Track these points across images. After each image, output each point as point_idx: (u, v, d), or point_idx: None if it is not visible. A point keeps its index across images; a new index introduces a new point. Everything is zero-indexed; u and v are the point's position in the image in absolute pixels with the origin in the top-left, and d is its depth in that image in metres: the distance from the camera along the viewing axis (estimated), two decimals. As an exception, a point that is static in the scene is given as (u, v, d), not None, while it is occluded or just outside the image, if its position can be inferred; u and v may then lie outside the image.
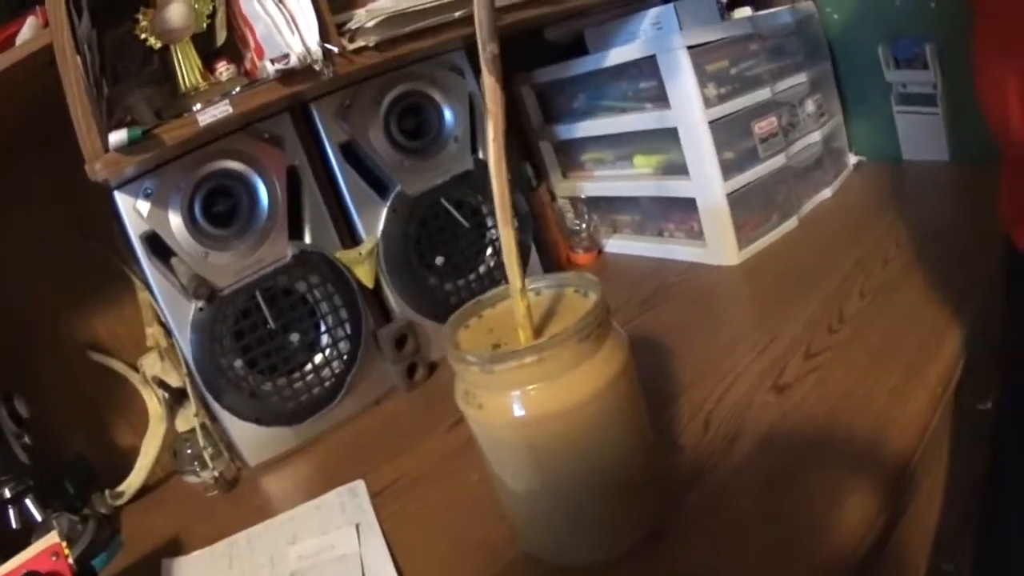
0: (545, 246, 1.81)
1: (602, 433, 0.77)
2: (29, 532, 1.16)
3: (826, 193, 1.76)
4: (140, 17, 1.06)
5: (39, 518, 1.17)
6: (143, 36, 1.07)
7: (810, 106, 1.75)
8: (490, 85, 0.75)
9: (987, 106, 0.76)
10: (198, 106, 1.08)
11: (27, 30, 0.98)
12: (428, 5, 1.22)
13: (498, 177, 0.79)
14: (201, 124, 1.05)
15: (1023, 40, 0.67)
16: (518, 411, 0.74)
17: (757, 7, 1.73)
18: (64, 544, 0.90)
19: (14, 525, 1.17)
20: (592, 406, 0.75)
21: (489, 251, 1.57)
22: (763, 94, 1.57)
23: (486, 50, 0.74)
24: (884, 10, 1.71)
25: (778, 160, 1.59)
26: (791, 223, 1.62)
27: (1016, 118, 0.69)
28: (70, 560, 0.89)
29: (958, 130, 1.65)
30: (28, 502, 1.18)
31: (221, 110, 1.07)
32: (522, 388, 0.74)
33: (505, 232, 0.80)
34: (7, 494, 1.17)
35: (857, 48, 1.83)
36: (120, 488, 1.32)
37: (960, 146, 1.69)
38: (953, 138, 1.72)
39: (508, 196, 0.80)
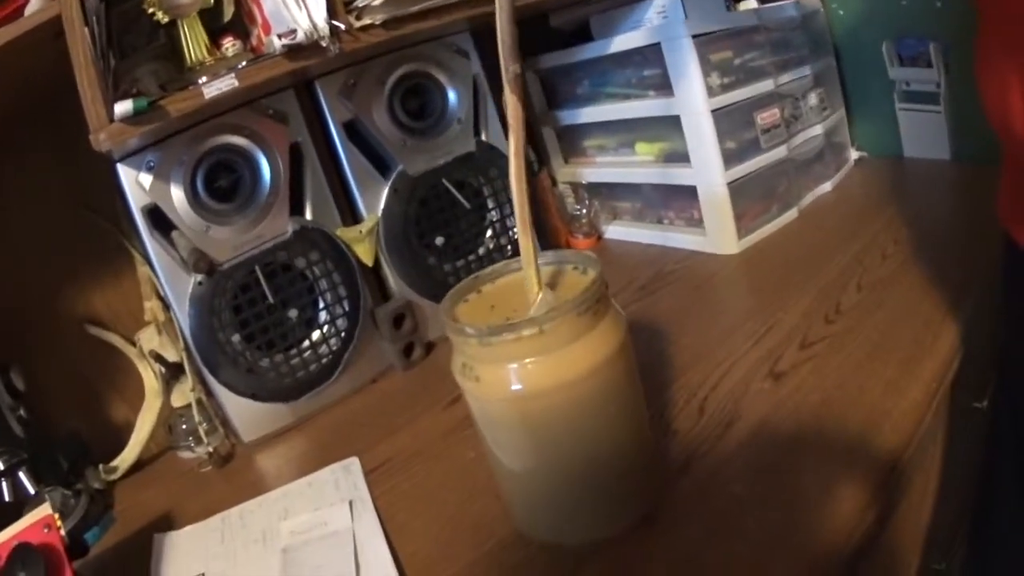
0: (545, 231, 1.82)
1: (598, 410, 0.77)
2: (21, 505, 1.15)
3: (826, 187, 1.76)
4: (148, -9, 1.07)
5: (32, 491, 1.17)
6: (151, 10, 1.07)
7: (813, 99, 1.75)
8: (512, 103, 0.76)
9: (989, 103, 0.77)
10: (203, 79, 1.08)
11: (35, 2, 0.98)
12: (436, -15, 1.22)
13: (519, 194, 0.80)
14: (206, 96, 1.06)
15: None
16: (515, 384, 0.74)
17: (763, 0, 1.74)
18: (56, 516, 0.90)
19: (7, 498, 1.17)
20: (589, 382, 0.75)
21: (489, 233, 1.57)
22: (766, 85, 1.57)
23: (508, 70, 0.76)
24: (889, 8, 1.71)
25: (779, 151, 1.59)
26: (791, 214, 1.63)
27: (1018, 116, 0.70)
28: (62, 532, 0.89)
29: (960, 129, 1.66)
30: (21, 475, 1.18)
31: (227, 83, 1.07)
32: (520, 361, 0.74)
33: (524, 241, 0.81)
34: (0, 466, 1.17)
35: (861, 44, 1.84)
36: (114, 463, 1.32)
37: (962, 145, 1.70)
38: (955, 137, 1.72)
39: (528, 208, 0.81)
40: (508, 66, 0.75)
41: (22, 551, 0.84)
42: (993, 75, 0.75)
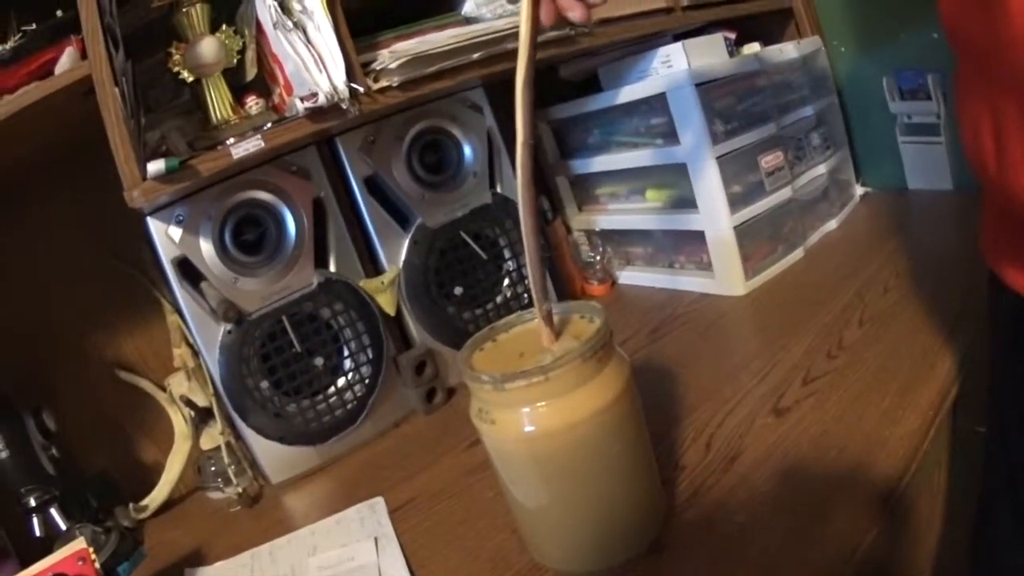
0: (560, 277, 1.85)
1: (604, 449, 0.82)
2: (51, 541, 1.20)
3: (832, 224, 1.80)
4: (173, 51, 1.13)
5: (63, 527, 1.22)
6: (176, 69, 1.14)
7: (816, 139, 1.80)
8: (522, 163, 0.83)
9: (965, 142, 0.78)
10: (231, 140, 1.13)
11: (66, 60, 1.03)
12: (449, 47, 1.28)
13: (532, 252, 0.87)
14: (234, 157, 1.11)
15: (992, 81, 0.69)
16: (527, 426, 0.79)
17: (766, 42, 1.79)
18: (91, 550, 0.94)
19: (37, 533, 1.21)
20: (594, 423, 0.80)
21: (506, 282, 1.61)
22: (769, 129, 1.62)
23: (523, 141, 0.82)
24: (889, 42, 1.77)
25: (784, 193, 1.63)
26: (797, 254, 1.66)
27: (990, 154, 0.70)
28: (96, 565, 0.93)
29: (961, 159, 1.69)
30: (53, 511, 1.22)
31: (253, 144, 1.12)
32: (531, 405, 0.79)
33: (538, 296, 0.88)
34: (32, 503, 1.21)
35: (863, 80, 1.89)
36: (144, 502, 1.37)
37: (963, 174, 1.74)
38: (956, 167, 1.77)
39: (541, 270, 0.89)
40: (524, 139, 0.82)
41: None
42: (966, 113, 0.77)
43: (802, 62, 1.77)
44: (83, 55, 1.01)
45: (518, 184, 0.84)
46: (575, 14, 0.85)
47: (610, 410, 0.81)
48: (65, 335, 1.41)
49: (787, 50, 1.73)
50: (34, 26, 1.06)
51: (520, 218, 0.86)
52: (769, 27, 2.03)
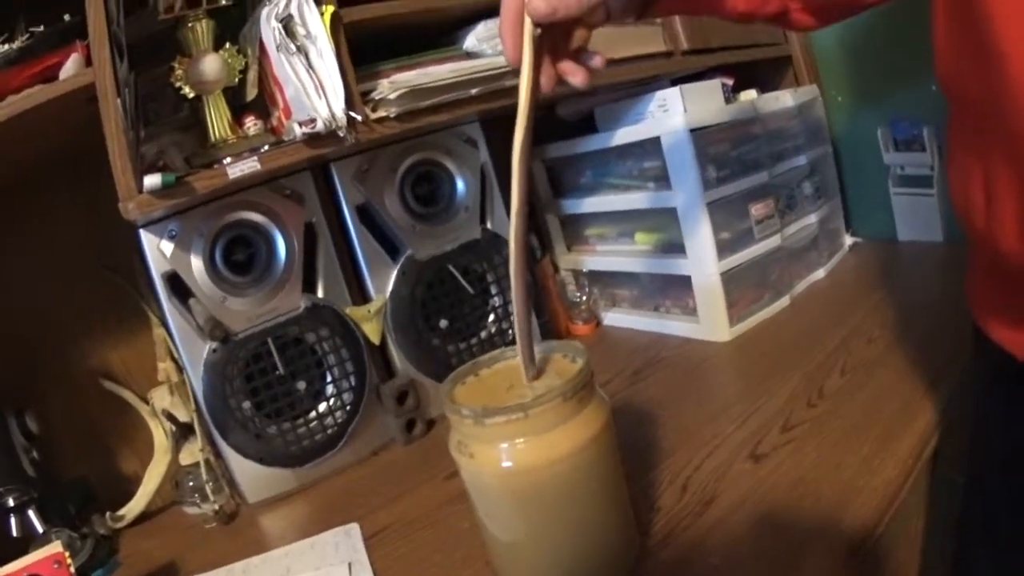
0: (546, 316, 1.86)
1: (580, 486, 0.82)
2: (27, 543, 1.19)
3: (819, 273, 1.82)
4: (176, 65, 1.14)
5: (40, 529, 1.21)
6: (178, 84, 1.15)
7: (808, 188, 1.81)
8: (516, 230, 0.85)
9: (954, 195, 0.79)
10: (228, 159, 1.15)
11: (71, 65, 1.04)
12: (448, 82, 1.30)
13: (521, 315, 0.89)
14: (230, 177, 1.12)
15: (985, 135, 0.69)
16: (505, 462, 0.80)
17: (763, 89, 1.81)
18: (67, 554, 0.94)
19: (14, 533, 1.21)
20: (572, 461, 0.80)
21: (491, 318, 1.62)
22: (761, 177, 1.63)
23: (517, 209, 0.84)
24: (886, 92, 1.79)
25: (773, 241, 1.65)
26: (783, 302, 1.68)
27: (979, 208, 0.71)
28: (71, 570, 0.93)
29: (952, 212, 1.71)
30: (31, 513, 1.22)
31: (249, 166, 1.14)
32: (510, 441, 0.80)
33: (521, 339, 0.89)
34: (11, 503, 1.20)
35: (858, 130, 1.92)
36: (121, 512, 1.36)
37: (954, 227, 1.76)
38: (947, 219, 1.79)
39: (530, 335, 0.89)
40: (518, 211, 0.84)
41: None
42: (957, 165, 0.79)
43: (798, 111, 1.79)
44: (88, 61, 1.02)
45: (511, 249, 0.85)
46: (576, 79, 0.86)
47: (588, 449, 0.81)
48: (54, 340, 1.41)
49: (783, 98, 1.75)
50: (41, 28, 1.07)
51: (511, 280, 0.87)
52: (767, 74, 2.06)
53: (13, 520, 1.21)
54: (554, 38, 0.84)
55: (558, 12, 0.77)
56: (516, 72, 0.82)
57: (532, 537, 0.85)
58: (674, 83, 1.59)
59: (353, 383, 1.43)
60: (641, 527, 0.97)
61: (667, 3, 0.96)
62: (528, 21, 0.78)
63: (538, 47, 0.80)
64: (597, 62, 0.87)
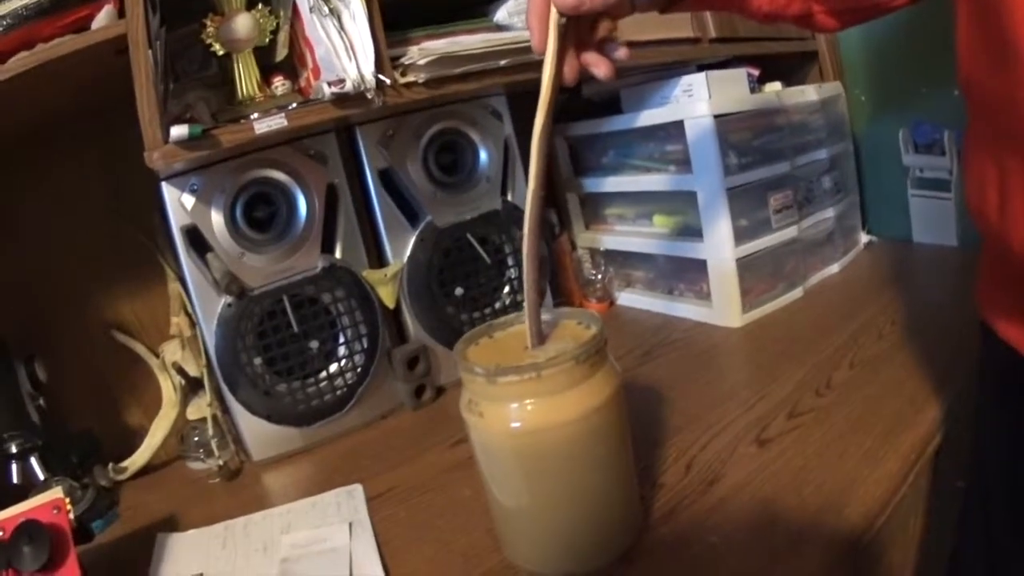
0: (561, 293, 1.88)
1: (586, 452, 0.83)
2: (28, 490, 1.19)
3: (834, 268, 1.82)
4: (208, 23, 1.14)
5: (41, 477, 1.22)
6: (208, 41, 1.15)
7: (827, 182, 1.81)
8: (531, 212, 0.86)
9: (969, 194, 0.79)
10: (255, 115, 1.15)
11: (103, 16, 1.03)
12: (476, 51, 1.30)
13: (531, 304, 0.91)
14: (256, 132, 1.13)
15: (1002, 137, 0.70)
16: (514, 422, 0.81)
17: (788, 83, 1.81)
18: (67, 500, 0.94)
19: (15, 480, 1.22)
20: (580, 425, 0.81)
21: (507, 289, 1.63)
22: (782, 167, 1.63)
23: (533, 189, 0.85)
24: (909, 95, 1.79)
25: (790, 232, 1.65)
26: (796, 293, 1.68)
27: (994, 208, 0.72)
28: (71, 516, 0.93)
29: (968, 216, 1.71)
30: (33, 460, 1.23)
31: (276, 122, 1.14)
32: (520, 401, 0.81)
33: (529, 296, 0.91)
34: (13, 449, 1.21)
35: (879, 130, 1.91)
36: (123, 464, 1.37)
37: (969, 232, 1.76)
38: (963, 224, 1.79)
39: (537, 310, 0.92)
40: (534, 187, 0.85)
41: (30, 526, 0.88)
42: (973, 166, 0.78)
43: (821, 106, 1.78)
44: (120, 14, 1.02)
45: (524, 231, 0.87)
46: (600, 71, 0.86)
47: (597, 414, 0.82)
48: (67, 290, 1.42)
49: (808, 92, 1.75)
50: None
51: (523, 263, 0.89)
52: (792, 68, 2.06)
53: (15, 467, 1.23)
54: (580, 29, 0.85)
55: (584, 4, 0.78)
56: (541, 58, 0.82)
57: (536, 502, 0.86)
58: (700, 69, 1.59)
59: (365, 345, 1.44)
60: (644, 502, 0.98)
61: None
62: (554, 11, 0.79)
63: (563, 37, 0.81)
64: (622, 54, 0.87)
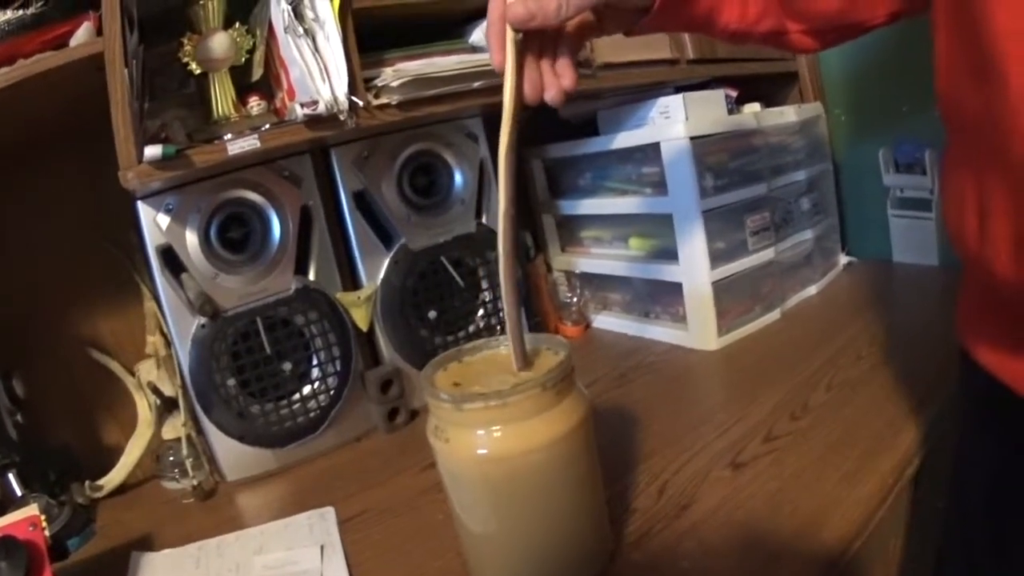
0: (536, 316, 1.87)
1: (555, 479, 0.82)
2: (4, 506, 1.18)
3: (812, 290, 1.82)
4: (185, 41, 1.14)
5: (19, 493, 1.21)
6: (185, 60, 1.15)
7: (805, 204, 1.81)
8: (504, 233, 0.85)
9: (947, 217, 0.78)
10: (228, 135, 1.15)
11: (82, 33, 1.04)
12: (451, 73, 1.30)
13: (512, 319, 0.89)
14: (229, 153, 1.13)
15: (981, 157, 0.69)
16: (481, 449, 0.80)
17: (767, 103, 1.81)
18: (43, 517, 0.94)
19: None
20: (547, 452, 0.80)
21: (480, 312, 1.63)
22: (759, 189, 1.64)
23: (504, 211, 0.85)
24: (890, 114, 1.79)
25: (767, 254, 1.65)
26: (773, 315, 1.68)
27: (971, 230, 0.71)
28: (46, 533, 0.92)
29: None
30: (11, 476, 1.21)
31: (249, 143, 1.14)
32: (487, 428, 0.80)
33: (511, 325, 0.89)
34: None
35: (859, 150, 1.92)
36: (100, 482, 1.36)
37: (949, 252, 1.72)
38: (944, 243, 1.79)
39: (518, 329, 0.90)
40: (506, 208, 0.84)
41: (6, 542, 0.87)
42: (951, 187, 0.77)
43: (800, 127, 1.79)
44: (99, 31, 1.02)
45: (500, 252, 0.86)
46: (549, 94, 0.85)
47: (564, 442, 0.81)
48: (47, 307, 1.42)
49: (787, 113, 1.76)
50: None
51: (501, 285, 0.88)
52: (773, 89, 2.07)
53: (-7, 482, 1.22)
54: (542, 46, 0.85)
55: (535, 19, 0.78)
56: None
57: (504, 529, 0.85)
58: (677, 91, 1.59)
59: (338, 368, 1.43)
60: (616, 527, 0.97)
61: (657, 21, 0.96)
62: (509, 27, 0.79)
63: (520, 53, 0.81)
64: (566, 81, 0.87)
